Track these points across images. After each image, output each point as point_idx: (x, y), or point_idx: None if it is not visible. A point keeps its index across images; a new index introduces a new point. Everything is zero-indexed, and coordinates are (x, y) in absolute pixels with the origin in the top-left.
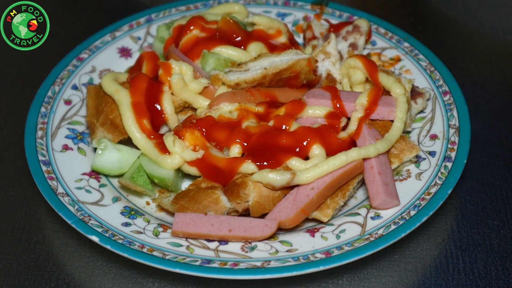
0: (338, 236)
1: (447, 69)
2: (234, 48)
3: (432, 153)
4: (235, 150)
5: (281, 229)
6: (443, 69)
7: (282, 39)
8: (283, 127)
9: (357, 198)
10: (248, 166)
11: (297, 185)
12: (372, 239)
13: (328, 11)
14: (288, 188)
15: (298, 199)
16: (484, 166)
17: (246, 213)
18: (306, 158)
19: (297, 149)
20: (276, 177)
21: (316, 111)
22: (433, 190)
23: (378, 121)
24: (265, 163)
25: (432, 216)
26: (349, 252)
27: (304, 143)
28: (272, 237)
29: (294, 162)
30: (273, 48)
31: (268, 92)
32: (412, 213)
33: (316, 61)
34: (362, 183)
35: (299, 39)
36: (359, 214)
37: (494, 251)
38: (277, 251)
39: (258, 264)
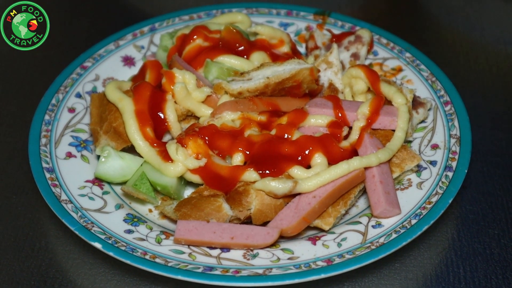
0: (339, 244)
1: (448, 79)
2: (237, 57)
3: (433, 163)
4: (238, 159)
5: (282, 237)
6: (445, 79)
7: (285, 48)
8: (285, 136)
9: (359, 206)
10: (251, 174)
11: (299, 194)
12: (373, 247)
13: (331, 21)
14: (290, 196)
15: (300, 207)
16: (485, 176)
17: (248, 221)
18: (308, 166)
19: (299, 158)
20: (278, 185)
21: (318, 120)
22: (434, 199)
23: (380, 130)
24: (267, 171)
25: (433, 225)
26: (350, 260)
27: (306, 152)
28: (274, 245)
29: (296, 171)
30: (276, 58)
31: (270, 101)
32: (413, 222)
33: (318, 71)
34: (364, 192)
35: (302, 49)
36: (360, 222)
37: (494, 260)
38: (278, 259)
39: (260, 271)
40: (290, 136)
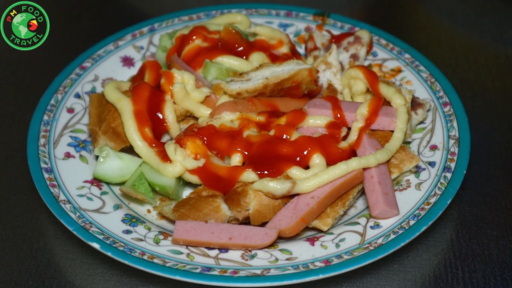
0: (337, 245)
1: (447, 80)
2: (236, 58)
3: (432, 164)
4: (236, 159)
5: (281, 238)
6: (444, 80)
7: (284, 49)
8: (284, 137)
9: (357, 207)
10: (249, 175)
11: (298, 194)
12: (371, 248)
13: (330, 22)
14: (289, 197)
15: (298, 208)
16: (484, 177)
17: (246, 221)
18: (307, 167)
19: (298, 158)
20: (276, 185)
21: (317, 120)
22: (432, 200)
23: (379, 131)
24: (265, 172)
25: (431, 226)
26: (349, 260)
27: (305, 153)
28: (272, 245)
29: (295, 171)
30: (275, 58)
31: (269, 102)
32: (412, 222)
33: (317, 71)
34: (362, 192)
35: (301, 50)
36: (358, 223)
37: (493, 261)
38: (277, 259)
39: (258, 272)
40: (288, 137)
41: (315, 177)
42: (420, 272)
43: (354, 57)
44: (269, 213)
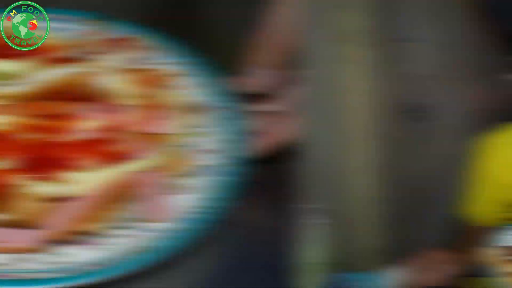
0: (112, 249)
1: None
2: (8, 61)
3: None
4: (7, 162)
5: (54, 241)
6: None
7: (63, 53)
8: (60, 139)
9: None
10: (19, 178)
11: (73, 197)
12: None
13: (105, 26)
14: (63, 200)
15: (70, 210)
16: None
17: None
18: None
19: (73, 161)
20: (48, 189)
21: (91, 124)
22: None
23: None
24: (39, 174)
25: None
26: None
27: (79, 156)
28: (41, 249)
29: (70, 174)
30: (54, 62)
31: (45, 105)
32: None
33: (94, 75)
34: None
35: (79, 54)
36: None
37: None
38: (48, 263)
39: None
40: (64, 139)
41: (88, 179)
42: None
43: (132, 60)
44: (41, 216)
